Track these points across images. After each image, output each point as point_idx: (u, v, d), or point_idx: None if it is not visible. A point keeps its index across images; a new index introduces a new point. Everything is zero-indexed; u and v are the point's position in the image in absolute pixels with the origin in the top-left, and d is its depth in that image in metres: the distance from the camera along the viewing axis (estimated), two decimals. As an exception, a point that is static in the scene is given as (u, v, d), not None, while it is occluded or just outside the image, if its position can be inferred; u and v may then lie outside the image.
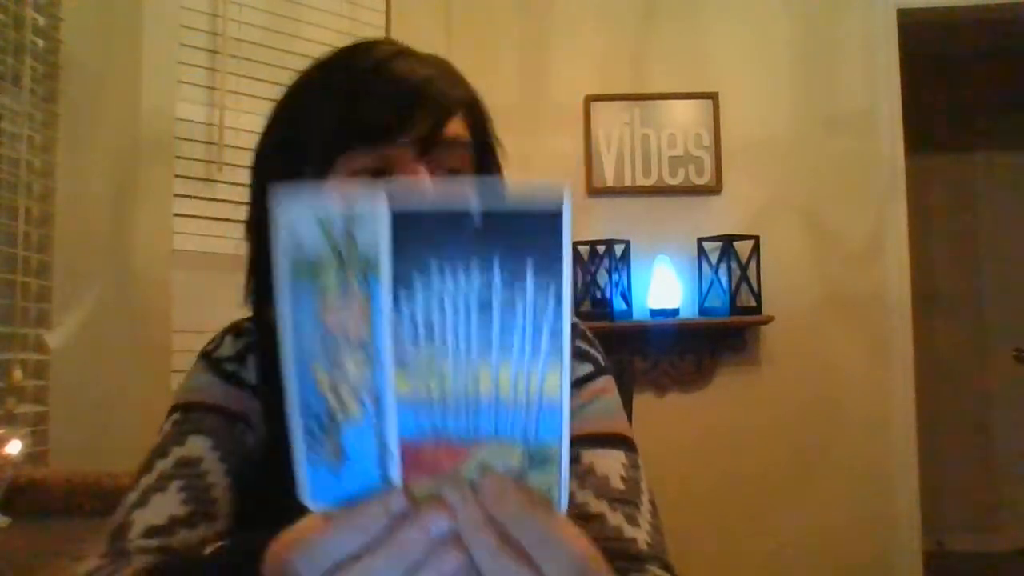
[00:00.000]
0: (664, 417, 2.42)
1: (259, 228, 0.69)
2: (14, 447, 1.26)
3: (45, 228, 1.65)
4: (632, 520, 0.62)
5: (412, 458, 0.33)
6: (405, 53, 0.65)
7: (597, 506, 0.62)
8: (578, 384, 0.69)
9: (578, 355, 0.71)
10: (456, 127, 0.63)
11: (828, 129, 2.55)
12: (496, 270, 0.31)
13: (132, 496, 0.63)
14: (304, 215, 0.32)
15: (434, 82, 0.62)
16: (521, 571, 0.32)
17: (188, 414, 0.68)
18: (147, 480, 0.64)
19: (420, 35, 2.38)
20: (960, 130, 3.84)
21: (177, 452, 0.65)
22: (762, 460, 2.42)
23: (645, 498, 0.65)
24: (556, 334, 0.32)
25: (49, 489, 1.32)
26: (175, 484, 0.63)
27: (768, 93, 2.57)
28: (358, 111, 0.60)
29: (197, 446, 0.66)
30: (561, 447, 0.33)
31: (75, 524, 1.24)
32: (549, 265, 0.31)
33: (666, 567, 0.62)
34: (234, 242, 2.10)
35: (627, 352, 2.37)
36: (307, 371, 0.33)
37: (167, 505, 0.61)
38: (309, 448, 0.34)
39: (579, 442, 0.65)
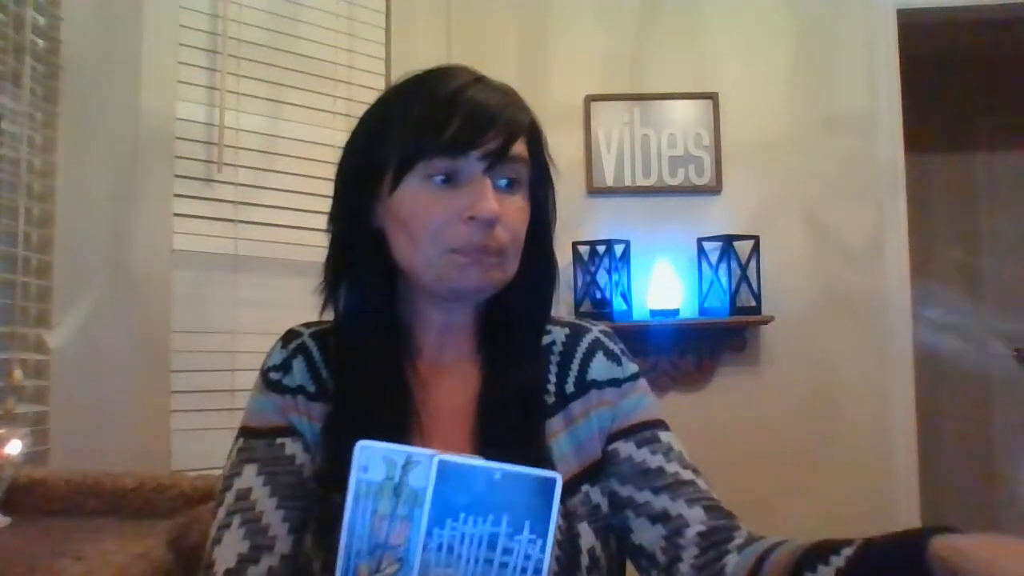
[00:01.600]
0: (664, 417, 2.41)
1: (336, 223, 0.78)
2: (14, 447, 1.26)
3: (45, 228, 1.65)
4: (710, 485, 0.78)
5: None
6: (480, 80, 0.75)
7: (686, 474, 0.77)
8: (635, 377, 0.84)
9: (621, 354, 0.85)
10: (519, 147, 0.73)
11: (828, 129, 2.55)
12: (504, 523, 0.44)
13: (213, 531, 0.71)
14: (376, 454, 0.45)
15: (505, 108, 0.72)
16: None
17: (246, 440, 0.75)
18: (220, 514, 0.71)
19: (420, 35, 2.38)
20: (960, 130, 3.84)
21: (236, 484, 0.72)
22: (762, 460, 2.42)
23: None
24: (538, 572, 0.44)
25: (49, 489, 1.32)
26: (236, 520, 0.70)
27: (768, 93, 2.57)
28: (440, 125, 0.69)
29: (249, 476, 0.72)
30: None
31: (75, 524, 1.24)
32: (541, 526, 0.44)
33: (729, 515, 0.78)
34: (234, 242, 2.12)
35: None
36: (352, 564, 0.44)
37: (234, 544, 0.69)
38: None
39: (654, 425, 0.81)
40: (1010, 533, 0.50)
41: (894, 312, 2.50)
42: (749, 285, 2.39)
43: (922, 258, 2.82)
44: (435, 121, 0.70)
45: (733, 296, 2.37)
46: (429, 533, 0.44)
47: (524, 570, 0.44)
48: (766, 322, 2.42)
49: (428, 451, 0.45)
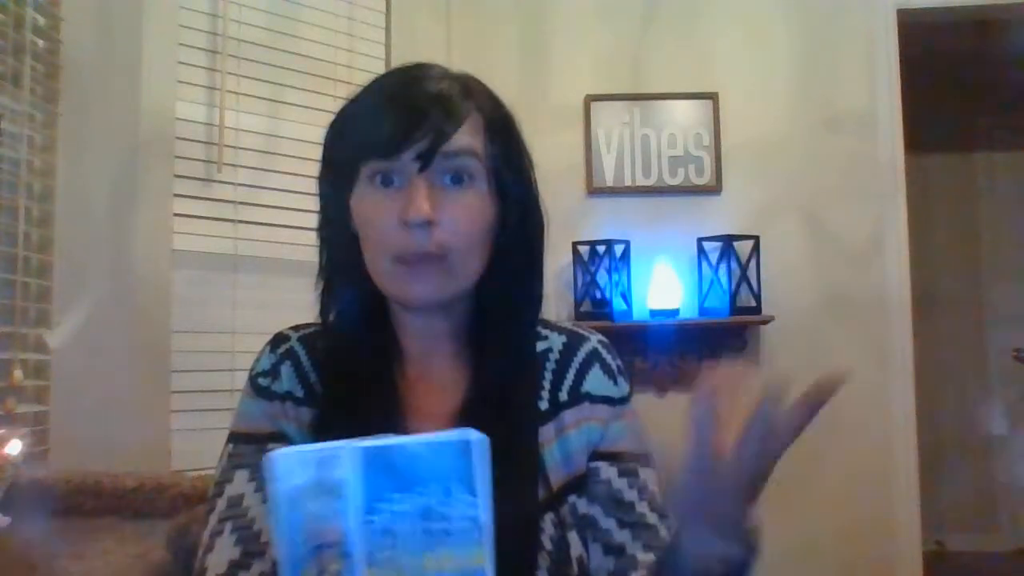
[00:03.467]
0: (664, 417, 2.40)
1: (319, 226, 0.78)
2: (14, 447, 1.26)
3: (45, 228, 1.65)
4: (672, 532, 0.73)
5: None
6: (427, 75, 0.72)
7: (651, 518, 0.74)
8: (627, 400, 0.79)
9: (618, 371, 0.80)
10: (464, 140, 0.69)
11: (828, 129, 2.55)
12: (433, 492, 0.45)
13: (205, 537, 0.70)
14: (291, 460, 0.45)
15: (440, 102, 0.68)
16: None
17: (236, 446, 0.74)
18: (213, 521, 0.70)
19: (420, 35, 2.38)
20: (960, 130, 3.85)
21: (228, 490, 0.71)
22: (762, 460, 2.42)
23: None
24: (479, 527, 0.45)
25: (49, 489, 1.32)
26: (228, 526, 0.69)
27: (768, 93, 2.57)
28: (373, 128, 0.68)
29: (240, 482, 0.71)
30: None
31: (75, 524, 1.24)
32: (471, 486, 0.45)
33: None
34: (234, 242, 2.12)
35: (627, 352, 2.37)
36: (296, 574, 0.44)
37: (225, 550, 0.68)
38: None
39: (639, 459, 0.76)
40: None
41: (894, 312, 2.50)
42: (749, 285, 2.39)
43: (922, 258, 2.82)
44: (371, 122, 0.69)
45: (733, 296, 2.37)
46: (366, 522, 0.44)
47: (467, 531, 0.44)
48: (766, 322, 2.42)
49: (341, 443, 0.45)
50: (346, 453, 0.44)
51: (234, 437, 0.75)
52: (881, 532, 2.43)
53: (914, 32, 2.59)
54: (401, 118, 0.68)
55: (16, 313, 1.56)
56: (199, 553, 0.69)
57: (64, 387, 1.63)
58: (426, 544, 0.44)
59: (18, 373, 1.52)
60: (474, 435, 0.45)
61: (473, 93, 0.73)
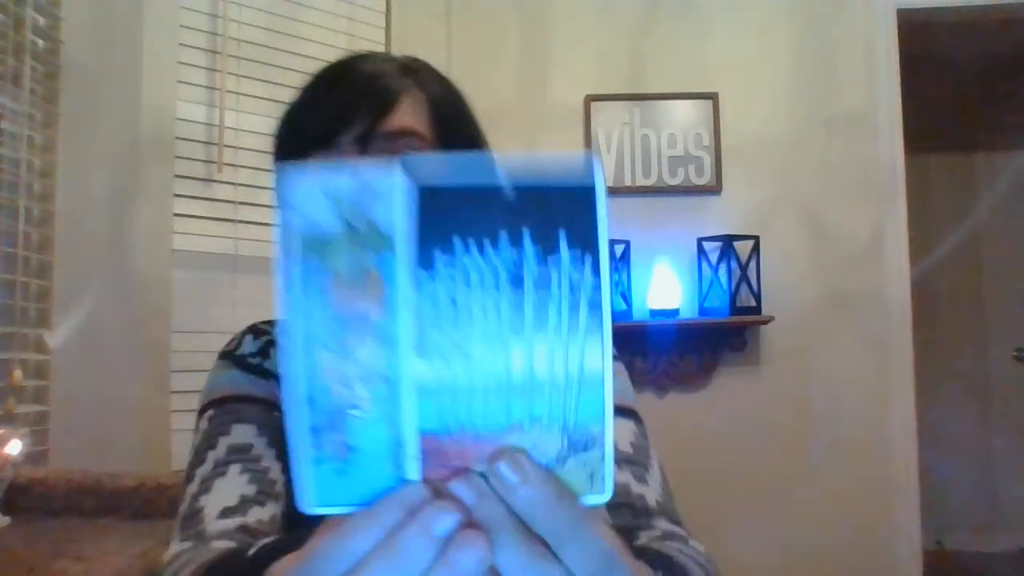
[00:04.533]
0: (664, 417, 2.41)
1: None
2: (14, 447, 1.26)
3: (45, 228, 1.65)
4: (640, 479, 0.66)
5: (433, 454, 0.30)
6: (367, 58, 0.70)
7: (637, 459, 0.66)
8: (617, 357, 0.73)
9: None
10: (405, 120, 0.66)
11: (828, 129, 2.55)
12: (527, 243, 0.30)
13: (192, 487, 0.64)
14: (313, 192, 0.30)
15: (375, 81, 0.66)
16: (545, 569, 0.29)
17: (223, 407, 0.69)
18: (203, 470, 0.64)
19: (420, 35, 2.38)
20: (960, 130, 3.84)
21: (226, 441, 0.66)
22: (762, 460, 2.42)
23: (655, 463, 0.68)
24: (595, 307, 0.30)
25: (49, 489, 1.32)
26: (234, 468, 0.63)
27: (768, 93, 2.57)
28: (311, 118, 0.66)
29: (244, 432, 0.66)
30: (604, 427, 0.31)
31: (75, 524, 1.24)
32: (584, 236, 0.30)
33: (676, 522, 0.63)
34: (234, 242, 2.11)
35: (627, 352, 2.38)
36: (313, 359, 0.30)
37: (233, 487, 0.62)
38: (313, 446, 0.30)
39: (627, 412, 0.70)
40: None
41: (894, 312, 2.50)
42: (749, 285, 2.39)
43: (922, 258, 2.82)
44: (309, 112, 0.68)
45: (733, 296, 2.37)
46: (418, 289, 0.29)
47: (574, 305, 0.30)
48: (766, 322, 2.42)
49: (389, 165, 0.30)
50: (398, 177, 0.30)
51: (221, 401, 0.69)
52: (881, 532, 2.43)
53: (914, 32, 2.59)
54: (336, 104, 0.66)
55: (16, 313, 1.56)
56: (183, 504, 0.63)
57: (64, 387, 1.63)
58: (514, 321, 0.30)
59: (18, 373, 1.52)
60: (596, 158, 0.31)
61: (413, 72, 0.70)
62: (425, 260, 0.29)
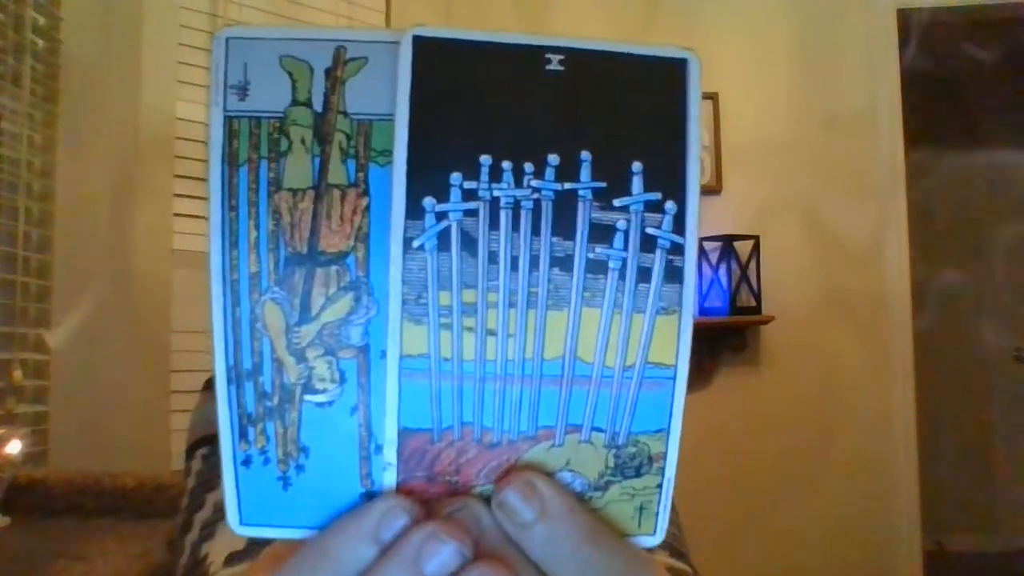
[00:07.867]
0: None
1: None
2: (14, 447, 1.26)
3: (45, 228, 1.65)
4: None
5: (418, 462, 0.21)
6: None
7: None
8: None
9: None
10: None
11: (828, 129, 2.55)
12: (585, 174, 0.20)
13: (191, 536, 0.59)
14: (262, 57, 0.20)
15: None
16: None
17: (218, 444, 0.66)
18: (203, 515, 0.60)
19: (420, 35, 2.38)
20: (960, 129, 3.84)
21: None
22: (762, 460, 2.42)
23: None
24: (674, 275, 0.22)
25: (49, 489, 1.32)
26: None
27: (768, 93, 2.57)
28: None
29: None
30: (668, 445, 0.23)
31: (75, 524, 1.24)
32: (667, 174, 0.20)
33: (678, 555, 0.56)
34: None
35: (627, 352, 2.37)
36: (247, 314, 0.21)
37: None
38: (243, 439, 0.22)
39: None
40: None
41: (894, 312, 2.50)
42: (749, 285, 2.39)
43: (922, 258, 2.82)
44: None
45: (733, 296, 2.37)
46: (414, 217, 0.20)
47: (644, 270, 0.22)
48: (766, 322, 2.42)
49: (381, 30, 0.22)
50: (406, 54, 0.21)
51: (213, 438, 0.66)
52: (881, 531, 2.43)
53: (914, 32, 2.59)
54: None
55: (16, 313, 1.56)
56: (183, 554, 0.58)
57: (64, 387, 1.63)
58: (554, 291, 0.21)
59: (18, 373, 1.52)
60: (692, 55, 0.21)
61: None
62: (434, 183, 0.20)
